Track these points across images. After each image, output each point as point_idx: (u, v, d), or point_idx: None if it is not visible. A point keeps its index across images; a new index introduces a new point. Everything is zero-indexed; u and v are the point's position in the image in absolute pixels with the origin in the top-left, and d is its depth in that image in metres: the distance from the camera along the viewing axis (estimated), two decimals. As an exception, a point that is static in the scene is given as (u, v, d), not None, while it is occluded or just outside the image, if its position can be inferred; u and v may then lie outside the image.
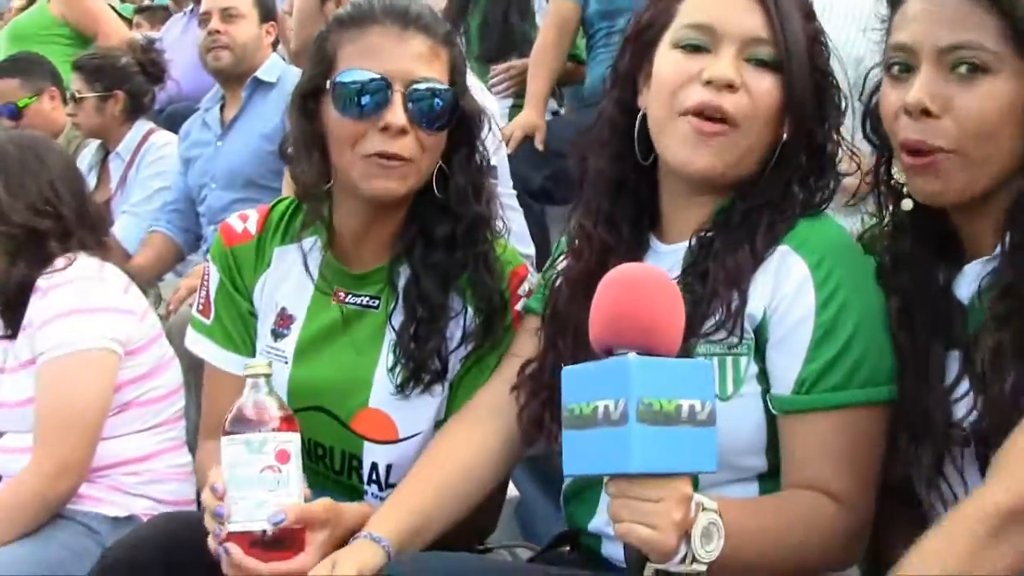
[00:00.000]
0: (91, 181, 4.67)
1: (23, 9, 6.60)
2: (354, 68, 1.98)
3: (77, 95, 4.59)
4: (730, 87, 1.74)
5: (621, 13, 4.00)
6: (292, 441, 1.77)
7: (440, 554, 1.79)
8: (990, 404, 1.54)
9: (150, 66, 4.70)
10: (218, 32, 4.22)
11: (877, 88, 1.74)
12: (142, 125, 4.68)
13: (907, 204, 1.71)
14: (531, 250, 3.48)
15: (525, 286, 2.12)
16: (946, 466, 1.63)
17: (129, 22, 7.04)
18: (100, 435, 2.53)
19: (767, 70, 1.77)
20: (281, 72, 4.19)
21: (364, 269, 2.12)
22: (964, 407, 1.60)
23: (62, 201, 2.68)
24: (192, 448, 2.79)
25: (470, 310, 2.08)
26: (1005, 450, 1.46)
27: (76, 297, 2.54)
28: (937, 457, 1.62)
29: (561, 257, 1.98)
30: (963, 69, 1.57)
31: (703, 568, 1.46)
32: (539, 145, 3.97)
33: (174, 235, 4.31)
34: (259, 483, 1.73)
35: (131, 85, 4.63)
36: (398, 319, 2.08)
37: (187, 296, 3.60)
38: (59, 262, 2.59)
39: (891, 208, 1.76)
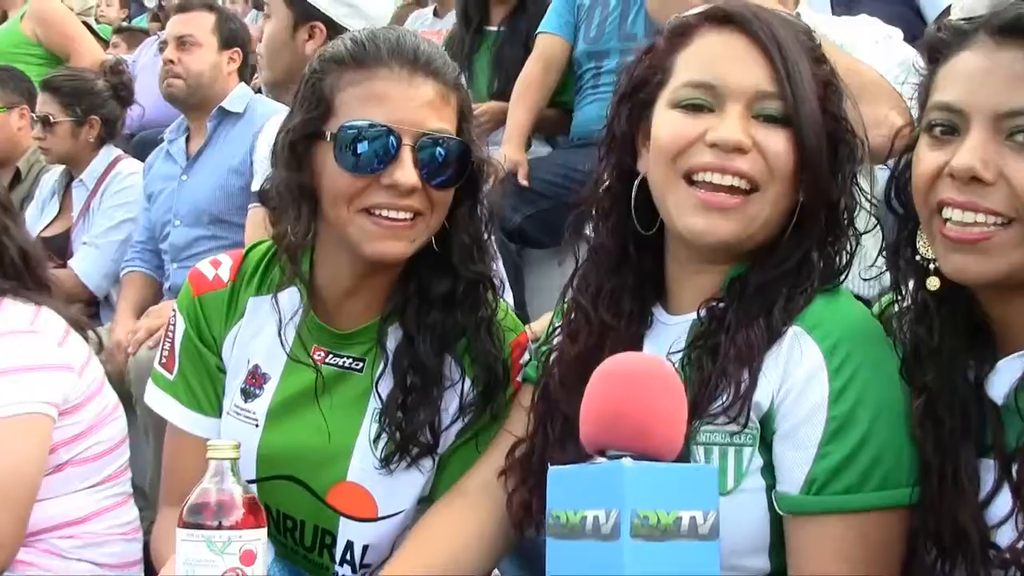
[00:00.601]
0: (53, 209, 4.66)
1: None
2: (357, 117, 1.83)
3: (52, 119, 4.50)
4: (739, 150, 1.62)
5: (609, 54, 3.97)
6: (259, 539, 1.61)
7: None
8: None
9: (121, 89, 4.65)
10: (171, 61, 4.17)
11: (906, 149, 1.62)
12: (109, 151, 4.61)
13: (933, 283, 1.57)
14: (510, 299, 3.37)
15: (526, 356, 2.01)
16: None
17: (106, 43, 7.03)
18: (32, 506, 2.39)
19: (778, 126, 1.65)
20: (249, 102, 4.08)
21: (349, 328, 1.98)
22: (1007, 527, 1.47)
23: None
24: (137, 488, 2.75)
25: (468, 380, 1.95)
26: None
27: (6, 356, 2.40)
28: None
29: (556, 331, 1.86)
30: (1021, 137, 1.44)
31: None
32: (523, 181, 3.87)
33: (152, 273, 4.19)
34: None
35: (105, 110, 4.58)
36: (386, 385, 1.95)
37: (146, 338, 3.52)
38: None
39: (912, 287, 1.62)
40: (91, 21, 7.50)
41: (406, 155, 1.81)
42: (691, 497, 1.26)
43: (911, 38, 2.54)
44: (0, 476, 2.32)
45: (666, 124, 1.69)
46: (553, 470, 1.36)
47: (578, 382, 1.55)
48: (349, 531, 1.96)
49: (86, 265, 4.33)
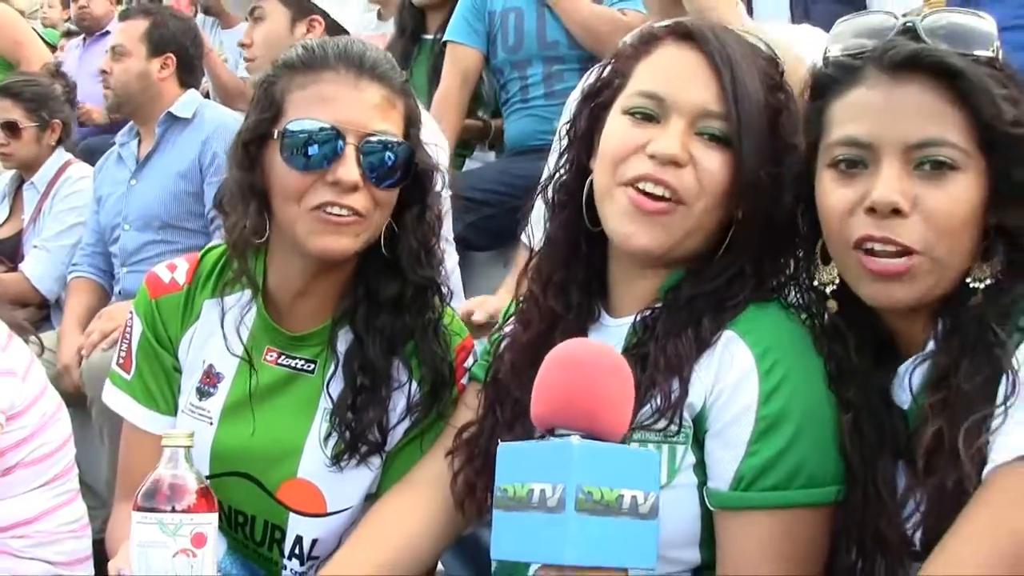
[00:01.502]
0: (3, 212, 4.66)
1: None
2: (304, 117, 1.88)
3: (18, 125, 4.51)
4: (675, 164, 1.66)
5: (531, 63, 3.96)
6: (210, 523, 1.67)
7: None
8: (935, 501, 1.47)
9: (71, 92, 4.72)
10: (104, 71, 4.19)
11: (798, 178, 1.66)
12: (60, 155, 4.62)
13: (833, 305, 1.65)
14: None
15: (471, 359, 2.06)
16: None
17: (53, 47, 6.98)
18: None
19: (719, 145, 1.68)
20: (197, 107, 4.10)
21: (301, 330, 2.03)
22: (915, 518, 1.53)
23: None
24: (90, 488, 2.79)
25: (415, 382, 2.01)
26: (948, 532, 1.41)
27: None
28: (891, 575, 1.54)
29: (509, 321, 1.92)
30: (928, 166, 1.50)
31: None
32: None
33: (98, 279, 4.19)
34: (172, 567, 1.64)
35: (63, 114, 4.61)
36: (336, 386, 2.00)
37: (100, 340, 3.52)
38: None
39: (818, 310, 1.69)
40: (37, 25, 7.48)
41: (350, 154, 1.86)
42: (634, 478, 1.34)
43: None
44: None
45: (614, 131, 1.74)
46: (503, 445, 1.42)
47: (529, 367, 1.61)
48: (298, 526, 2.01)
49: (37, 268, 4.33)
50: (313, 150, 1.87)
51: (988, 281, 1.52)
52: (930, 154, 1.49)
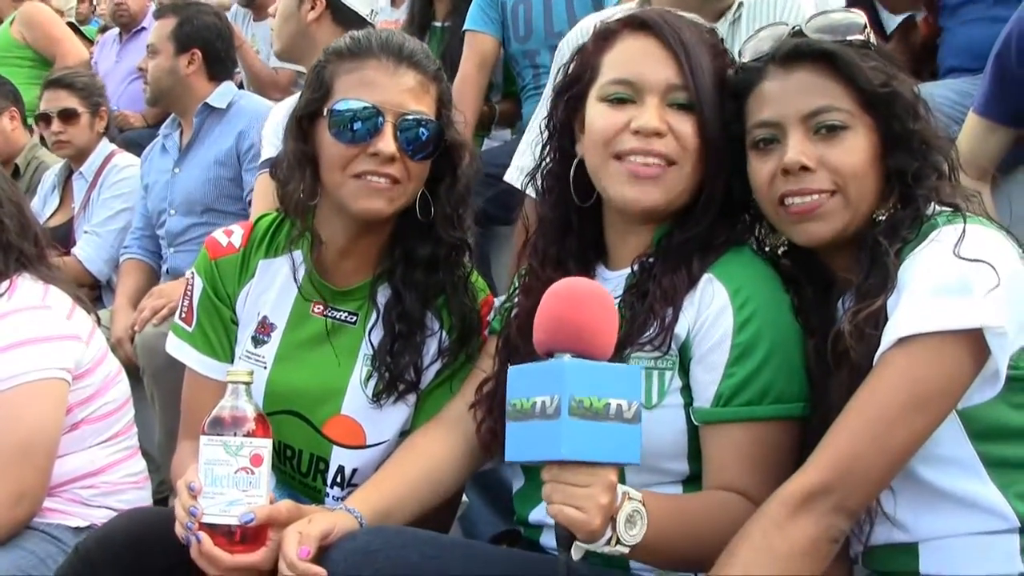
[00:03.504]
0: (54, 201, 4.83)
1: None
2: (349, 97, 2.13)
3: (76, 111, 4.68)
4: (658, 134, 1.91)
5: (539, 52, 4.11)
6: (266, 447, 1.94)
7: (411, 528, 1.96)
8: (844, 389, 1.75)
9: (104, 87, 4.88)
10: (141, 69, 4.45)
11: (737, 168, 1.95)
12: (105, 146, 4.80)
13: (786, 263, 1.98)
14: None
15: (492, 313, 2.29)
16: None
17: (91, 42, 7.12)
18: (54, 461, 2.61)
19: (686, 112, 1.94)
20: (232, 98, 4.27)
21: (346, 286, 2.27)
22: None
23: (3, 210, 2.72)
24: (146, 452, 2.96)
25: (444, 331, 2.24)
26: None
27: (22, 329, 2.59)
28: None
29: (516, 292, 2.15)
30: (824, 130, 1.83)
31: (626, 550, 1.65)
32: None
33: (148, 260, 4.36)
34: (233, 482, 1.90)
35: (106, 105, 4.80)
36: (377, 334, 2.23)
37: (151, 316, 3.70)
38: (2, 286, 2.64)
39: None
40: (74, 20, 7.62)
41: (387, 130, 2.11)
42: (619, 389, 1.57)
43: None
44: (24, 435, 2.54)
45: (597, 116, 1.98)
46: (512, 368, 1.66)
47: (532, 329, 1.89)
48: (341, 458, 2.22)
49: (88, 252, 4.50)
50: (357, 126, 2.11)
51: (889, 213, 1.82)
52: (823, 119, 1.83)
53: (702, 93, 1.93)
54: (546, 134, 2.12)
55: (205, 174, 4.14)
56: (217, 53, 4.33)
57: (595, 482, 1.59)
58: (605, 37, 2.04)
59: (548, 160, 2.12)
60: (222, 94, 4.26)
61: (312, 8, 3.80)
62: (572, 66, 2.08)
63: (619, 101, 1.96)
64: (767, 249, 2.01)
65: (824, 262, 1.94)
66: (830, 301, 1.93)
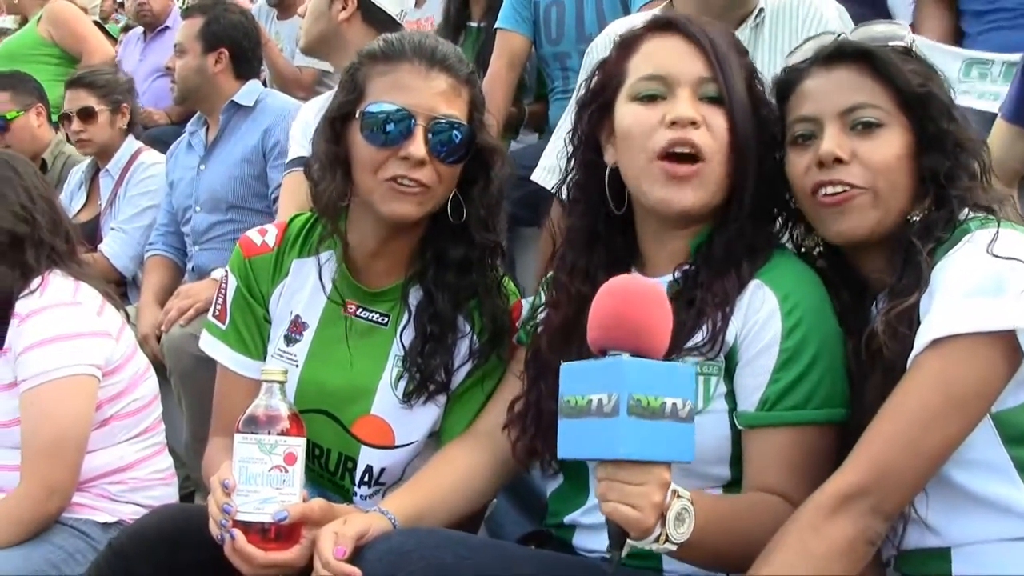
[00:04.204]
0: (81, 198, 4.86)
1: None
2: (382, 100, 2.12)
3: (94, 109, 4.71)
4: (693, 124, 1.91)
5: (570, 56, 4.10)
6: (300, 445, 1.95)
7: (444, 530, 1.98)
8: (877, 389, 1.77)
9: (131, 83, 4.91)
10: (168, 68, 4.45)
11: (778, 168, 1.98)
12: (131, 144, 4.81)
13: (822, 264, 2.00)
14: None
15: (519, 321, 2.28)
16: None
17: (115, 40, 7.14)
18: (83, 456, 2.64)
19: (716, 105, 1.94)
20: (258, 96, 4.26)
21: (378, 287, 2.26)
22: None
23: (36, 207, 2.74)
24: (172, 450, 2.98)
25: (475, 334, 2.23)
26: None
27: (54, 325, 2.62)
28: None
29: (541, 308, 2.14)
30: (860, 126, 1.87)
31: (673, 548, 1.65)
32: None
33: (174, 257, 4.38)
34: (267, 480, 1.91)
35: (131, 102, 4.81)
36: (408, 335, 2.23)
37: (177, 317, 3.70)
38: (34, 282, 2.67)
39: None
40: (99, 18, 7.66)
41: (419, 133, 2.10)
42: (675, 387, 1.56)
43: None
44: (54, 431, 2.57)
45: (630, 115, 1.97)
46: (566, 365, 1.65)
47: (564, 344, 1.90)
48: (369, 457, 2.23)
49: (115, 248, 4.52)
50: (389, 128, 2.10)
51: (923, 214, 1.85)
52: (859, 116, 1.88)
53: (732, 86, 1.94)
54: (571, 147, 2.12)
55: (231, 171, 4.14)
56: (244, 52, 4.33)
57: (650, 480, 1.59)
58: (628, 44, 2.05)
59: (574, 172, 2.12)
60: (249, 92, 4.26)
61: (344, 8, 3.79)
62: (595, 79, 2.08)
63: (650, 98, 1.96)
64: (803, 250, 2.02)
65: (856, 264, 1.96)
66: (864, 304, 1.94)
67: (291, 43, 5.91)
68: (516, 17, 4.21)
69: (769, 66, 2.72)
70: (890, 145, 1.86)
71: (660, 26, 2.02)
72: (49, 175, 5.08)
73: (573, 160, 2.11)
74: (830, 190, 1.87)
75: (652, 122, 1.94)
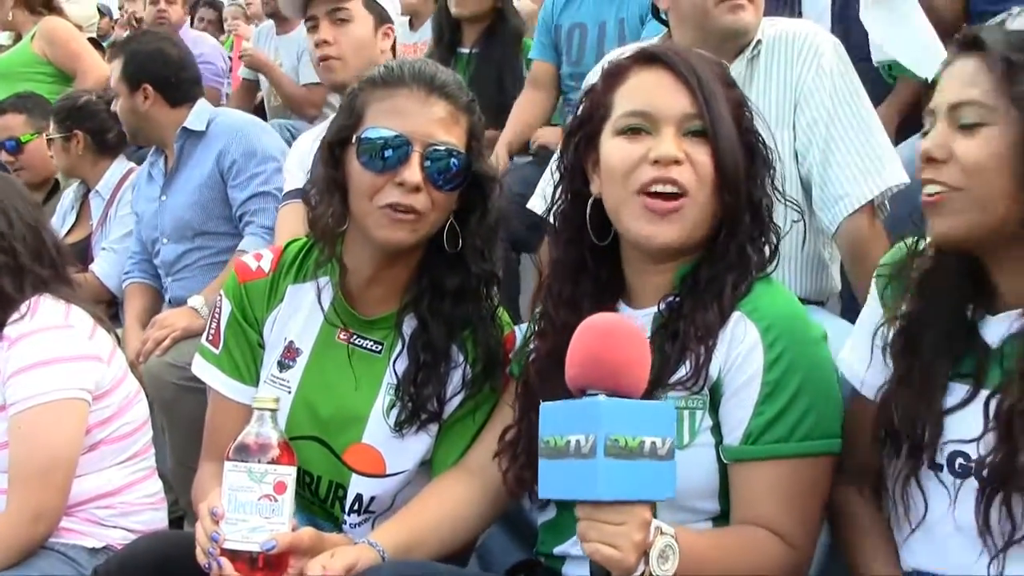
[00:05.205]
0: (71, 219, 4.84)
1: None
2: (379, 126, 2.13)
3: (48, 136, 4.76)
4: (676, 163, 1.90)
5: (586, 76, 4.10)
6: (290, 474, 1.94)
7: (432, 563, 2.00)
8: (1005, 456, 1.70)
9: (97, 105, 4.81)
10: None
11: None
12: (122, 164, 4.78)
13: (930, 251, 1.90)
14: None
15: (511, 353, 2.28)
16: (920, 476, 1.80)
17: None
18: (72, 480, 2.61)
19: (702, 140, 1.92)
20: (209, 117, 4.15)
21: (373, 315, 2.27)
22: (965, 445, 1.77)
23: (15, 233, 2.70)
24: (162, 476, 2.96)
25: (468, 364, 2.23)
26: None
27: (44, 348, 2.60)
28: (913, 466, 1.80)
29: (532, 337, 2.13)
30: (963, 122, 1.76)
31: None
32: None
33: (151, 282, 4.33)
34: (256, 509, 1.91)
35: (92, 124, 4.73)
36: (402, 363, 2.23)
37: (154, 348, 3.68)
38: (22, 307, 2.63)
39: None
40: (95, 35, 7.62)
41: (414, 159, 2.10)
42: (653, 426, 1.56)
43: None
44: (43, 455, 2.55)
45: (614, 150, 1.97)
46: (544, 405, 1.65)
47: (552, 374, 1.87)
48: (359, 485, 2.21)
49: (106, 268, 4.48)
50: (386, 154, 2.11)
51: None
52: (963, 113, 1.75)
53: (717, 120, 1.93)
54: (558, 176, 2.12)
55: (191, 198, 4.07)
56: (167, 80, 4.18)
57: (630, 520, 1.59)
58: (614, 74, 2.05)
59: (560, 202, 2.12)
60: (198, 116, 4.14)
61: (385, 38, 3.75)
62: (581, 108, 2.09)
63: (635, 132, 1.95)
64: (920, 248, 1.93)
65: (981, 273, 1.84)
66: (960, 316, 1.84)
67: (290, 58, 5.91)
68: (539, 46, 4.39)
69: (765, 97, 2.76)
70: (989, 143, 1.74)
71: (646, 58, 2.01)
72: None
73: (559, 188, 2.11)
74: (927, 189, 1.79)
75: (635, 157, 1.94)
